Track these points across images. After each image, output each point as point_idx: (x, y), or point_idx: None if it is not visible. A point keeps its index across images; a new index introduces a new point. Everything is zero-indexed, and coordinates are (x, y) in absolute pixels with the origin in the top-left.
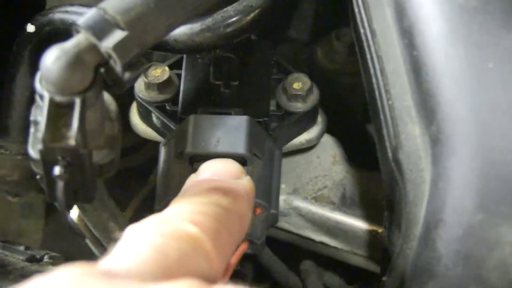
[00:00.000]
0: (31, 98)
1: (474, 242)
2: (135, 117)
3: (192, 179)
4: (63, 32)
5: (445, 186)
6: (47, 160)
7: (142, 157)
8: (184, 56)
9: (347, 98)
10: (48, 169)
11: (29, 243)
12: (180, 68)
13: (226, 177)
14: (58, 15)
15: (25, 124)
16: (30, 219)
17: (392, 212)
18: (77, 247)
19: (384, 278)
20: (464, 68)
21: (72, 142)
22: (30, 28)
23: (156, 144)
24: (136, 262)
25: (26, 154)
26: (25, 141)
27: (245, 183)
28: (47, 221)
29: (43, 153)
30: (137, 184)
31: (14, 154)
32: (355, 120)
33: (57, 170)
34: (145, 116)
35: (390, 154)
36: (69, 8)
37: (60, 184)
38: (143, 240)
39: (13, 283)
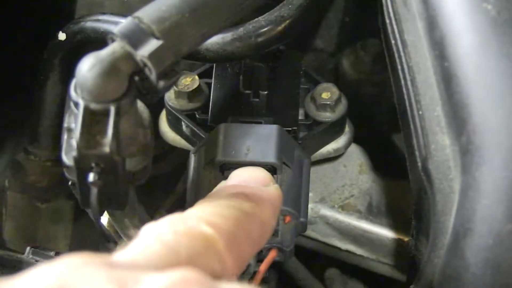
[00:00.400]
0: (61, 106)
1: (503, 251)
2: (164, 125)
3: (221, 185)
4: (95, 40)
5: (475, 196)
6: (81, 167)
7: (168, 165)
8: (214, 65)
9: (373, 107)
10: (82, 176)
11: (57, 249)
12: (210, 77)
13: (254, 183)
14: (89, 24)
15: (55, 131)
16: (58, 224)
17: (420, 221)
18: (104, 252)
19: (411, 287)
20: (495, 79)
21: (106, 149)
22: (62, 36)
23: (182, 152)
24: (143, 256)
25: (55, 161)
26: (54, 148)
27: (272, 190)
28: (75, 227)
29: (77, 160)
30: (162, 192)
31: (43, 161)
32: (381, 130)
33: (91, 177)
34: (175, 124)
35: (419, 164)
36: (100, 17)
37: (94, 191)
38: (155, 237)
39: None
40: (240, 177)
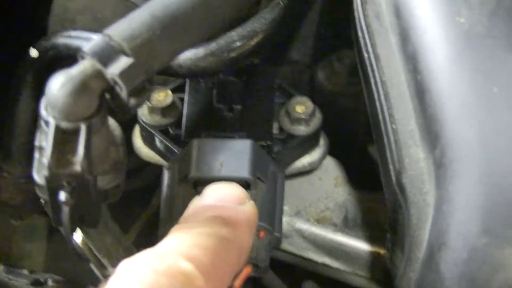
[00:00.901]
0: (33, 122)
1: (478, 265)
2: (138, 141)
3: (196, 202)
4: (67, 56)
5: (449, 209)
6: (53, 186)
7: (143, 180)
8: (187, 80)
9: (348, 119)
10: (54, 195)
11: (31, 266)
12: (183, 92)
13: (230, 202)
14: (61, 40)
15: (28, 148)
16: (32, 241)
17: (395, 235)
18: (79, 270)
19: None
20: (468, 92)
21: (78, 168)
22: (33, 52)
23: (156, 167)
24: None
25: (29, 178)
26: (27, 164)
27: (248, 208)
28: (49, 244)
29: (48, 179)
30: (137, 207)
31: (17, 178)
32: (357, 142)
33: (62, 195)
34: (148, 140)
35: (393, 178)
36: (73, 33)
37: (65, 209)
38: (134, 277)
39: None
40: (215, 195)
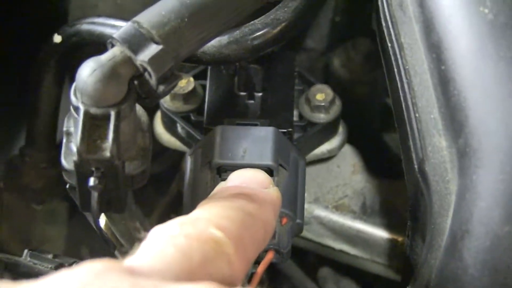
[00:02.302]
0: (56, 107)
1: (501, 252)
2: (159, 127)
3: (221, 185)
4: (90, 43)
5: (473, 198)
6: (82, 171)
7: (159, 166)
8: (209, 66)
9: (364, 107)
10: (82, 180)
11: (52, 250)
12: (204, 79)
13: (255, 185)
14: (85, 26)
15: (50, 133)
16: (53, 226)
17: (416, 222)
18: (99, 255)
19: (408, 287)
20: (492, 82)
21: (107, 154)
22: (57, 38)
23: (175, 153)
24: (160, 262)
25: (50, 162)
26: (49, 149)
27: (272, 192)
28: (70, 228)
29: (77, 164)
30: (153, 193)
31: (39, 162)
32: (372, 129)
33: (91, 181)
34: (170, 126)
35: (416, 166)
36: (96, 19)
37: (94, 195)
38: (168, 241)
39: None
40: (240, 179)
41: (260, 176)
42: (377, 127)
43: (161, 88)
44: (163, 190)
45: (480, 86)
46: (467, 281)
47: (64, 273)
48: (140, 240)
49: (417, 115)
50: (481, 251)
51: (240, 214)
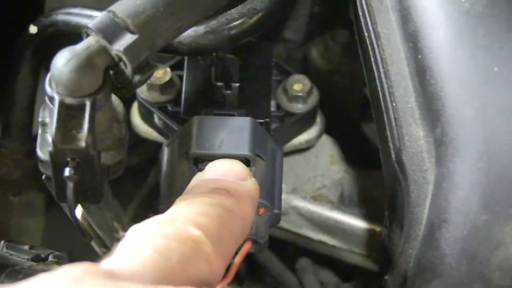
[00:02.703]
0: (32, 98)
1: (478, 241)
2: (136, 118)
3: (198, 178)
4: (66, 33)
5: (450, 187)
6: (57, 161)
7: (138, 157)
8: (185, 57)
9: (342, 97)
10: (58, 170)
11: (29, 242)
12: (181, 69)
13: (232, 178)
14: (61, 17)
15: (26, 124)
16: (30, 217)
17: (394, 212)
18: (77, 246)
19: (386, 277)
20: (469, 71)
21: (82, 144)
22: (33, 29)
23: (151, 144)
24: (139, 264)
25: (27, 153)
26: (26, 140)
27: (250, 184)
28: (46, 220)
29: (53, 154)
30: (131, 184)
31: (15, 154)
32: (350, 120)
33: (67, 171)
34: (147, 117)
35: (393, 155)
36: (72, 10)
37: (70, 185)
38: (145, 241)
39: None
40: (217, 171)
41: (237, 167)
42: (356, 118)
43: (137, 78)
44: (140, 182)
45: (456, 75)
46: (444, 270)
47: (42, 277)
48: (118, 239)
49: (394, 104)
50: (459, 240)
51: (218, 211)
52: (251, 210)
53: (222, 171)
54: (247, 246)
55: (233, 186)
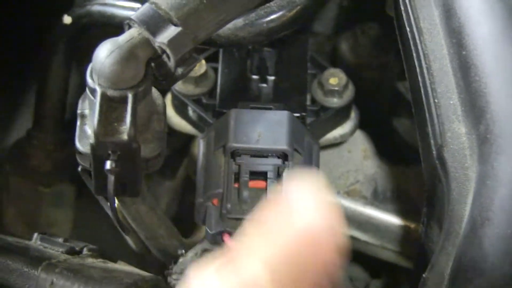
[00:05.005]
0: (65, 89)
1: None
2: (169, 110)
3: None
4: (101, 24)
5: (493, 185)
6: (98, 154)
7: (167, 150)
8: (221, 49)
9: (372, 91)
10: (98, 163)
11: (59, 233)
12: (215, 61)
13: (320, 222)
14: (96, 8)
15: (59, 115)
16: (60, 209)
17: (432, 208)
18: (103, 238)
19: (425, 275)
20: None
21: (125, 137)
22: (67, 19)
23: (181, 136)
24: None
25: (58, 145)
26: (57, 131)
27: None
28: (76, 211)
29: (94, 147)
30: (160, 176)
31: (46, 145)
32: (381, 114)
33: (108, 164)
34: (180, 109)
35: (434, 152)
36: (107, 1)
37: (111, 178)
38: None
39: (60, 276)
40: (309, 210)
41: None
42: (386, 112)
43: (179, 70)
44: (168, 174)
45: (501, 72)
46: (487, 270)
47: None
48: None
49: (436, 100)
50: (502, 239)
51: (294, 262)
52: (334, 258)
53: (315, 214)
54: None
55: (319, 234)
